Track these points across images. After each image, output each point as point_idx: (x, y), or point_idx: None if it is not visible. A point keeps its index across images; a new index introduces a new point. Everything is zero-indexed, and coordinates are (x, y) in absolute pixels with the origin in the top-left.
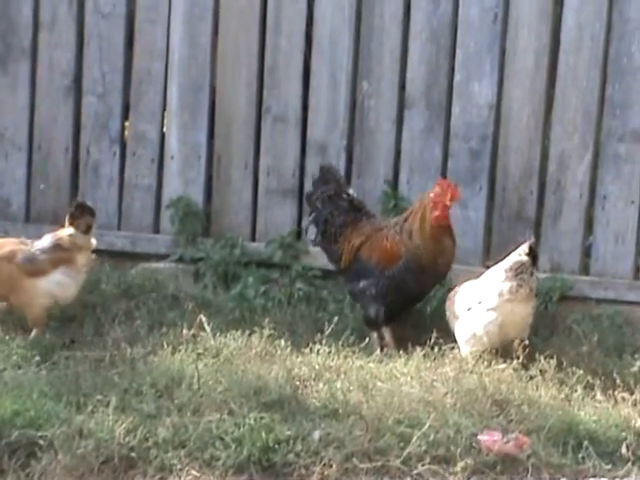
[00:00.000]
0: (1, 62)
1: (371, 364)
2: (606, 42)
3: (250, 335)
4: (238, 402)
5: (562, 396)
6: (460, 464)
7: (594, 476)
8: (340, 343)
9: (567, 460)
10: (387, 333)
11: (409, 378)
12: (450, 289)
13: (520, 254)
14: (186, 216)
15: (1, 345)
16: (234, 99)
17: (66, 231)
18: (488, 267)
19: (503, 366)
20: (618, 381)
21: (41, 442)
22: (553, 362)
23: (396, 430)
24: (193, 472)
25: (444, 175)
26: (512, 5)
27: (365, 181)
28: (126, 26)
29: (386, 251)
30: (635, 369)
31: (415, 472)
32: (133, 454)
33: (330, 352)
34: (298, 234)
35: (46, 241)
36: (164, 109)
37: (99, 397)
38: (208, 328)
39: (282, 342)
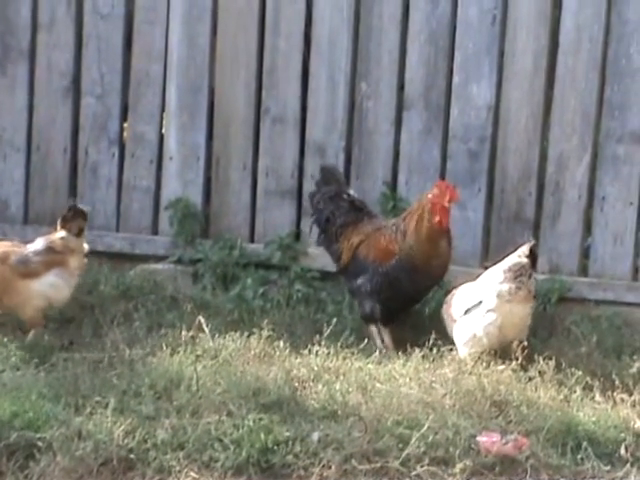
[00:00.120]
0: None
1: (370, 365)
2: (605, 44)
3: (249, 336)
4: (237, 403)
5: (561, 397)
6: (459, 465)
7: (593, 477)
8: (339, 344)
9: (566, 461)
10: (386, 335)
11: (408, 379)
12: (448, 291)
13: (520, 256)
14: (185, 217)
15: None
16: (233, 100)
17: (58, 234)
18: (486, 268)
19: (502, 367)
20: (617, 382)
21: (40, 444)
22: (552, 363)
23: (395, 431)
24: (192, 474)
25: (443, 176)
26: (511, 7)
27: (364, 182)
28: (125, 27)
29: (381, 249)
30: (634, 370)
31: (414, 473)
32: (132, 456)
33: (329, 353)
34: (297, 235)
35: (39, 244)
36: (163, 110)
37: (98, 399)
38: (207, 329)
39: (281, 343)
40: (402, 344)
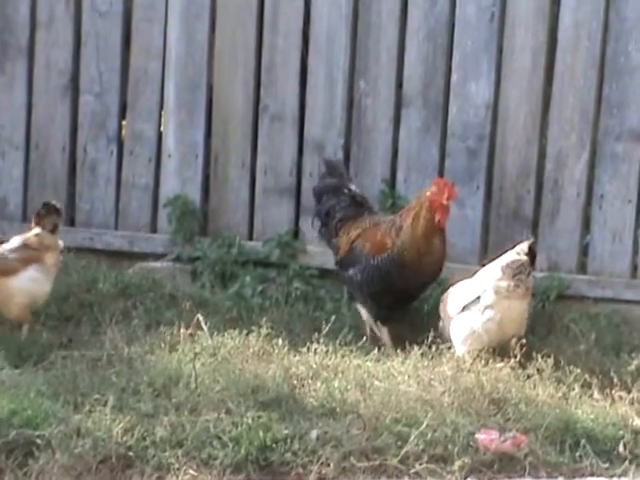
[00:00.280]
0: None
1: (368, 363)
2: (603, 41)
3: (247, 334)
4: (235, 401)
5: (559, 395)
6: (458, 463)
7: (591, 475)
8: (337, 342)
9: (564, 459)
10: (384, 333)
11: (406, 377)
12: (446, 289)
13: (519, 253)
14: (183, 215)
15: None
16: (231, 98)
17: (33, 231)
18: (483, 266)
19: (500, 365)
20: (615, 380)
21: (38, 441)
22: (550, 361)
23: (394, 429)
24: (190, 471)
25: (441, 174)
26: (509, 4)
27: (362, 180)
28: (123, 25)
29: (376, 242)
30: (632, 368)
31: (413, 471)
32: (130, 453)
33: (327, 351)
34: (295, 233)
35: (15, 242)
36: (161, 108)
37: (96, 396)
38: (205, 327)
39: (279, 341)
40: (401, 342)
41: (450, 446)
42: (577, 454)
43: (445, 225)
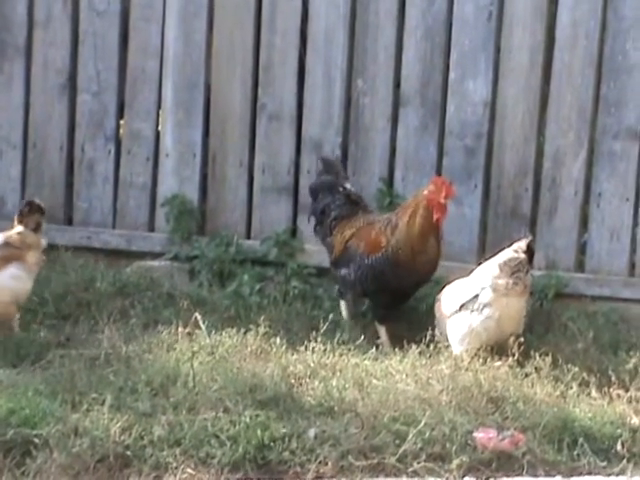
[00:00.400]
0: None
1: (366, 362)
2: (601, 40)
3: (245, 333)
4: (233, 400)
5: (557, 393)
6: (455, 461)
7: (589, 473)
8: (335, 341)
9: (562, 457)
10: (382, 331)
11: (404, 376)
12: (442, 287)
13: (517, 251)
14: (181, 214)
15: None
16: (229, 97)
17: (16, 229)
18: (479, 264)
19: (498, 363)
20: (613, 378)
21: (36, 440)
22: (548, 359)
23: (392, 428)
24: (188, 470)
25: (439, 173)
26: (507, 3)
27: (360, 178)
28: (121, 24)
29: (370, 240)
30: (630, 366)
31: (410, 470)
32: (128, 452)
33: (325, 350)
34: (293, 232)
35: None
36: (159, 107)
37: (94, 395)
38: (203, 326)
39: (277, 340)
40: (399, 340)
41: (448, 445)
42: (575, 453)
43: (442, 224)
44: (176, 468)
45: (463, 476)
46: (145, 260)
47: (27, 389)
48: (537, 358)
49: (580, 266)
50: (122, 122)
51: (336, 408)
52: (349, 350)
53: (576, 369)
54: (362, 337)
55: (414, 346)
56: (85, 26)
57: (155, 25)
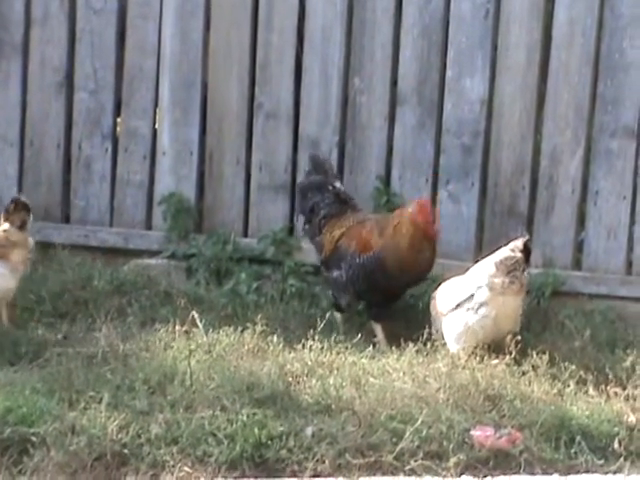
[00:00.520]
0: None
1: (364, 360)
2: (597, 38)
3: (242, 331)
4: (231, 398)
5: (554, 391)
6: (453, 459)
7: (586, 471)
8: (332, 339)
9: (559, 455)
10: (378, 330)
11: (402, 374)
12: (438, 285)
13: (513, 250)
14: (178, 212)
15: None
16: (226, 95)
17: (1, 227)
18: (476, 262)
19: (495, 362)
20: (610, 376)
21: (33, 439)
22: (545, 357)
23: (389, 426)
24: (185, 468)
25: (436, 171)
26: (503, 1)
27: (357, 177)
28: (118, 22)
29: (362, 239)
30: (627, 364)
31: (408, 468)
32: (125, 451)
33: (322, 348)
34: (290, 230)
35: None
36: (156, 105)
37: (91, 394)
38: (200, 324)
39: (274, 338)
40: (396, 339)
41: (445, 443)
42: (572, 451)
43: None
44: (173, 466)
45: (460, 474)
46: (142, 258)
47: (24, 387)
48: (534, 356)
49: (577, 264)
50: (119, 120)
51: (333, 406)
52: (346, 348)
53: (573, 367)
54: (359, 335)
55: (411, 344)
56: (82, 24)
57: (152, 23)
